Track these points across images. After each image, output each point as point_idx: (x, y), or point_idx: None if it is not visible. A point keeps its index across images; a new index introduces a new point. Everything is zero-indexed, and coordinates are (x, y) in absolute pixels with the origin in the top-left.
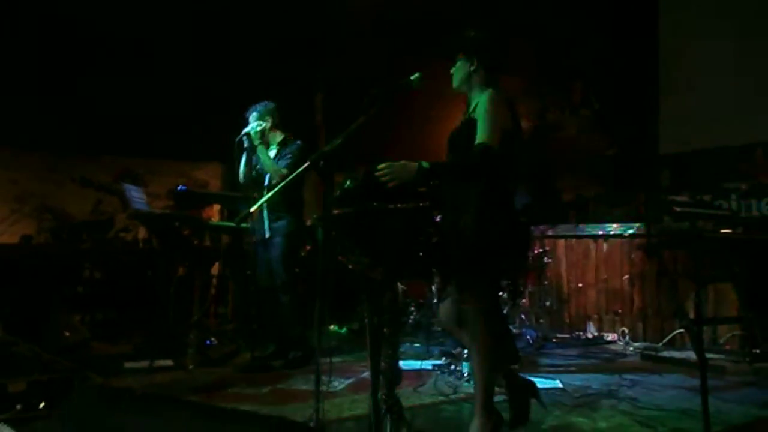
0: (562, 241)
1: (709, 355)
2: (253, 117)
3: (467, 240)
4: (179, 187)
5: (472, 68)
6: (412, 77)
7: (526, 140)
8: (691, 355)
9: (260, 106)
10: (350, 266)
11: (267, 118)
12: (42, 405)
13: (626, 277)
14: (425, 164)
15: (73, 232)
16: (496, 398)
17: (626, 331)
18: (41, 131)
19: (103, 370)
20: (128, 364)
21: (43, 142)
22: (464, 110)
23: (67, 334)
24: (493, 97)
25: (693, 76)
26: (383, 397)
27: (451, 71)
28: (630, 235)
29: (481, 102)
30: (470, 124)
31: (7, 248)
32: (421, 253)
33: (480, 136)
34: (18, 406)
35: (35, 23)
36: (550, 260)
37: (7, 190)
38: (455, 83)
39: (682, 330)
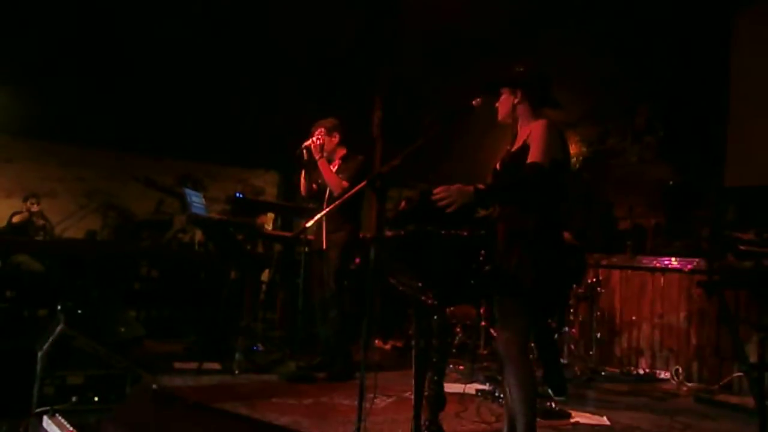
0: (617, 272)
1: None
2: (316, 134)
3: (521, 273)
4: (236, 194)
5: (516, 101)
6: (473, 102)
7: (582, 166)
8: (750, 401)
9: (326, 122)
10: (400, 288)
11: (333, 133)
12: (96, 399)
13: (683, 313)
14: (481, 186)
15: (135, 230)
16: None
17: (680, 370)
18: (109, 131)
19: (154, 369)
20: (177, 365)
21: (110, 141)
22: (510, 141)
23: (122, 329)
24: (547, 125)
25: (765, 106)
26: (426, 422)
27: (496, 105)
28: (690, 270)
29: (535, 129)
30: (524, 152)
31: (73, 243)
32: (472, 282)
33: (531, 157)
34: (74, 398)
35: (108, 28)
36: (602, 290)
37: (75, 186)
38: (500, 116)
39: (741, 374)
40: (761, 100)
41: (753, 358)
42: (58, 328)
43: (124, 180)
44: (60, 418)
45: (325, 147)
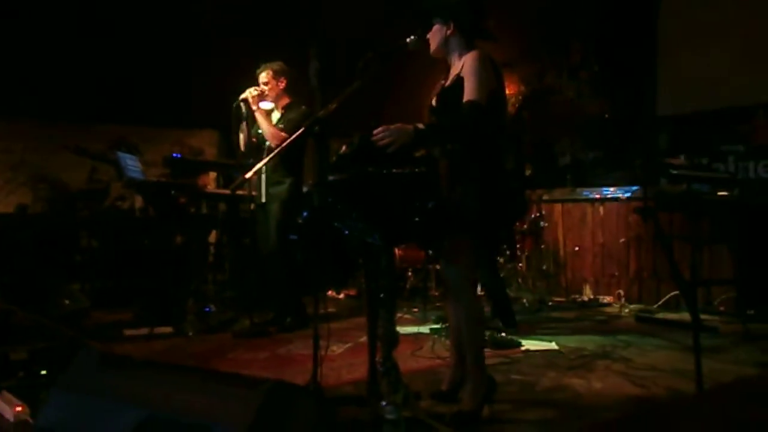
0: (558, 205)
1: (703, 317)
2: (263, 76)
3: (465, 207)
4: (173, 155)
5: (448, 33)
6: (408, 39)
7: (521, 105)
8: (686, 316)
9: (274, 64)
10: (346, 232)
11: (281, 77)
12: (43, 372)
13: (623, 240)
14: (421, 126)
15: (69, 201)
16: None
17: (622, 293)
18: (35, 100)
19: (103, 338)
20: (128, 332)
21: (37, 111)
22: (444, 75)
23: (67, 302)
24: (479, 56)
25: (692, 36)
26: (381, 360)
27: (428, 36)
28: (627, 198)
29: (467, 61)
30: (459, 85)
31: (2, 218)
32: (417, 219)
33: (468, 94)
34: (20, 374)
35: None
36: (546, 224)
37: (1, 159)
38: (432, 48)
39: (677, 292)
40: (688, 30)
41: (687, 277)
42: None
43: (53, 150)
44: (7, 394)
45: (271, 91)
